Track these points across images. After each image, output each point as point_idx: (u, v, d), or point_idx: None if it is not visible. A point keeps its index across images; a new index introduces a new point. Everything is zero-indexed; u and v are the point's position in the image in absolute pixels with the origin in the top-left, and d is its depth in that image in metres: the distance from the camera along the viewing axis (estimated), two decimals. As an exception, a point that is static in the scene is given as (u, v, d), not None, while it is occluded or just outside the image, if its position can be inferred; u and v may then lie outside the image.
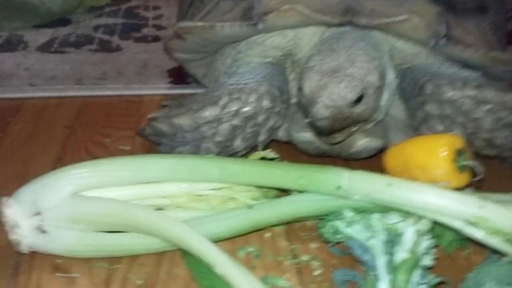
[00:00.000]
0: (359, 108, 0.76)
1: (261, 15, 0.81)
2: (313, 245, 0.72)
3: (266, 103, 0.81)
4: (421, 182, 0.61)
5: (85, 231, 0.66)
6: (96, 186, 0.67)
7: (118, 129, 1.01)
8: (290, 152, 0.89)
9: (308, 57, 0.84)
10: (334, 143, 0.80)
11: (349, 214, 0.64)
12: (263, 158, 0.77)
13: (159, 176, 0.70)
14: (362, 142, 0.81)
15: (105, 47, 1.39)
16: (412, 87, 0.83)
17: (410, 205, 0.61)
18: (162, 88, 1.18)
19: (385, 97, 0.82)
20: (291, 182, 0.67)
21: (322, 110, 0.74)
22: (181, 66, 1.14)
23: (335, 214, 0.66)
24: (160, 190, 0.71)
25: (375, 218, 0.63)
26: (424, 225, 0.62)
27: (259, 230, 0.71)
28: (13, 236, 0.64)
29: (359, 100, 0.76)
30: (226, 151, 0.84)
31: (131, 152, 0.93)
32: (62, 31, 1.49)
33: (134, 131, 0.99)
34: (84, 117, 1.05)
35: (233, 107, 0.80)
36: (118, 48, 1.38)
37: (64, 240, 0.65)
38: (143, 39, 1.46)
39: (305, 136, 0.82)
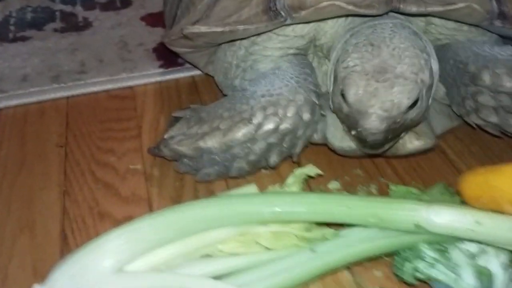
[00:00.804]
0: (414, 113, 0.67)
1: (290, 9, 0.68)
2: (378, 274, 0.66)
3: (306, 116, 0.71)
4: (513, 217, 0.55)
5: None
6: (139, 255, 0.58)
7: (120, 140, 0.89)
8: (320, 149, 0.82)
9: (340, 49, 0.72)
10: (381, 153, 0.72)
11: (429, 253, 0.58)
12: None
13: (205, 226, 0.62)
14: (414, 146, 0.73)
15: (71, 23, 1.20)
16: (459, 72, 0.74)
17: (502, 243, 0.56)
18: (154, 75, 1.03)
19: (432, 92, 0.73)
20: (359, 220, 0.60)
21: (375, 123, 0.63)
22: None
23: (411, 251, 0.60)
24: (206, 240, 0.63)
25: (456, 253, 0.58)
26: (506, 256, 0.58)
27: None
28: (57, 333, 0.56)
29: (414, 104, 0.66)
30: (258, 166, 0.76)
31: (145, 172, 0.82)
32: (12, 4, 1.27)
33: (137, 140, 0.88)
34: (75, 128, 0.92)
35: (270, 125, 0.70)
36: (86, 24, 1.20)
37: (114, 323, 0.57)
38: (111, 6, 1.27)
39: (350, 146, 0.73)
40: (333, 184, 0.79)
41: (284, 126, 0.70)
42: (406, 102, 0.64)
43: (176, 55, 1.04)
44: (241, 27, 0.69)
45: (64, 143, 0.88)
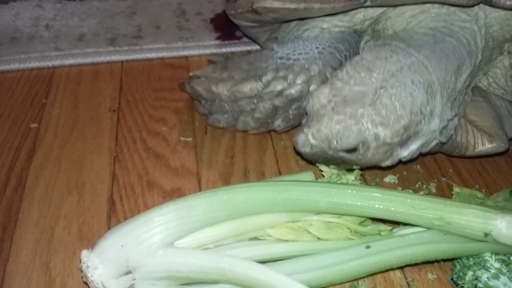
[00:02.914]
0: (353, 157, 0.62)
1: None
2: (431, 276, 0.63)
3: (313, 88, 0.69)
4: None
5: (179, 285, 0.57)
6: (189, 232, 0.57)
7: (172, 110, 0.87)
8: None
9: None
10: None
11: (495, 264, 0.55)
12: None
13: (257, 210, 0.60)
14: (486, 148, 0.68)
15: (130, -15, 1.18)
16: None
17: None
18: (210, 46, 1.01)
19: (420, 142, 0.64)
20: (423, 221, 0.57)
21: (300, 142, 0.62)
22: (226, 14, 0.97)
23: (473, 259, 0.56)
24: (257, 223, 0.61)
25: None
26: None
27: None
28: (101, 300, 0.55)
29: (353, 149, 0.61)
30: (266, 127, 0.77)
31: (195, 145, 0.80)
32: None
33: (189, 113, 0.86)
34: (128, 93, 0.90)
35: (277, 87, 0.70)
36: (145, -12, 1.17)
37: (159, 298, 0.56)
38: (170, -29, 1.24)
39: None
40: (390, 178, 0.75)
41: (289, 91, 0.70)
42: (334, 144, 0.60)
43: (233, 27, 1.01)
44: (316, 5, 0.65)
45: (116, 108, 0.87)
